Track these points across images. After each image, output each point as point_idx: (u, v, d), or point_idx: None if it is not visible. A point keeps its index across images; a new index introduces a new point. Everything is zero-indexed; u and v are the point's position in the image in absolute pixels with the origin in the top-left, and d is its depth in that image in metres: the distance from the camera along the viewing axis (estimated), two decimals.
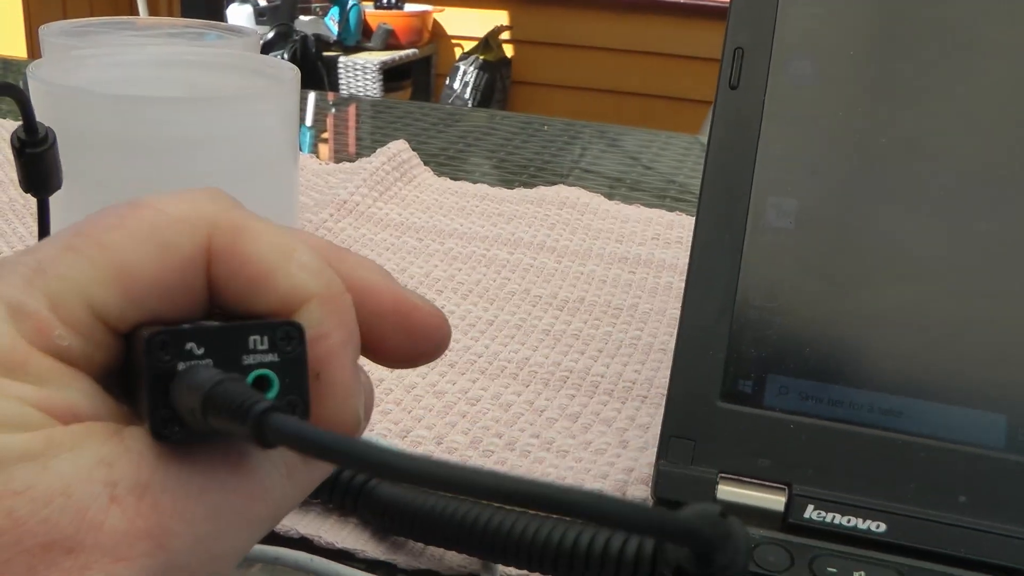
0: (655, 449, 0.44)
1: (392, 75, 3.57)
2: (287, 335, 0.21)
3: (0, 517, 0.18)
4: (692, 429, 0.37)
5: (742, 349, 0.38)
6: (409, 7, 3.76)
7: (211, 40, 0.71)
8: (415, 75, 3.77)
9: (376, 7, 3.73)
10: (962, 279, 0.37)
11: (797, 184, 0.39)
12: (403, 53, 3.64)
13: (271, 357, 0.21)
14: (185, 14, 2.50)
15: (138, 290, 0.21)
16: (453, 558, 0.38)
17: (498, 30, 3.71)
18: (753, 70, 0.40)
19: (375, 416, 0.47)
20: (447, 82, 3.64)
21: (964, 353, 0.37)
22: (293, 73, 0.54)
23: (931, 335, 0.37)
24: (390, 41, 3.65)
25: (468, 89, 3.57)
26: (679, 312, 0.59)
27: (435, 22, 3.84)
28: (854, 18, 0.40)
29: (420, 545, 0.38)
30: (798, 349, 0.38)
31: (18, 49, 3.05)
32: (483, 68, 3.60)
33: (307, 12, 3.64)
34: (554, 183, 0.82)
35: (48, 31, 0.67)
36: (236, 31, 0.71)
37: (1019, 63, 0.38)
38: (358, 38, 3.62)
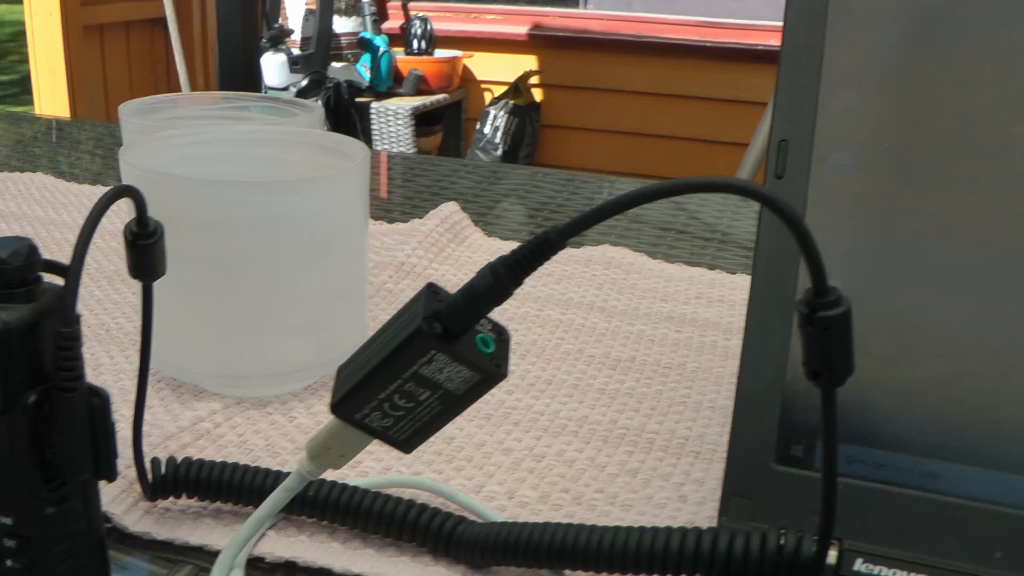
0: (713, 504, 0.48)
1: (424, 120, 3.64)
2: (499, 329, 0.33)
3: None
4: (750, 489, 0.41)
5: (794, 417, 0.42)
6: (439, 53, 3.83)
7: (276, 115, 0.75)
8: (446, 120, 3.84)
9: (407, 53, 3.80)
10: (993, 355, 0.41)
11: (839, 267, 0.43)
12: (434, 98, 3.70)
13: (492, 334, 0.33)
14: (222, 83, 2.57)
15: None
16: None
17: (527, 75, 3.78)
18: (797, 161, 0.44)
19: (449, 472, 0.51)
20: (477, 127, 3.70)
21: (996, 421, 0.40)
22: (364, 152, 0.59)
23: (965, 405, 0.41)
24: (421, 87, 3.72)
25: (499, 133, 3.63)
26: (725, 371, 0.63)
27: (465, 67, 3.91)
28: (890, 111, 0.44)
29: None
30: (844, 417, 0.41)
31: (62, 110, 3.21)
32: (513, 112, 3.66)
33: (339, 59, 3.71)
34: (601, 240, 0.86)
35: (125, 109, 0.72)
36: (299, 105, 0.75)
37: None
38: (390, 84, 3.69)
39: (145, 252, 0.41)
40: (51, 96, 3.29)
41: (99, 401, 0.38)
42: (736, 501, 0.41)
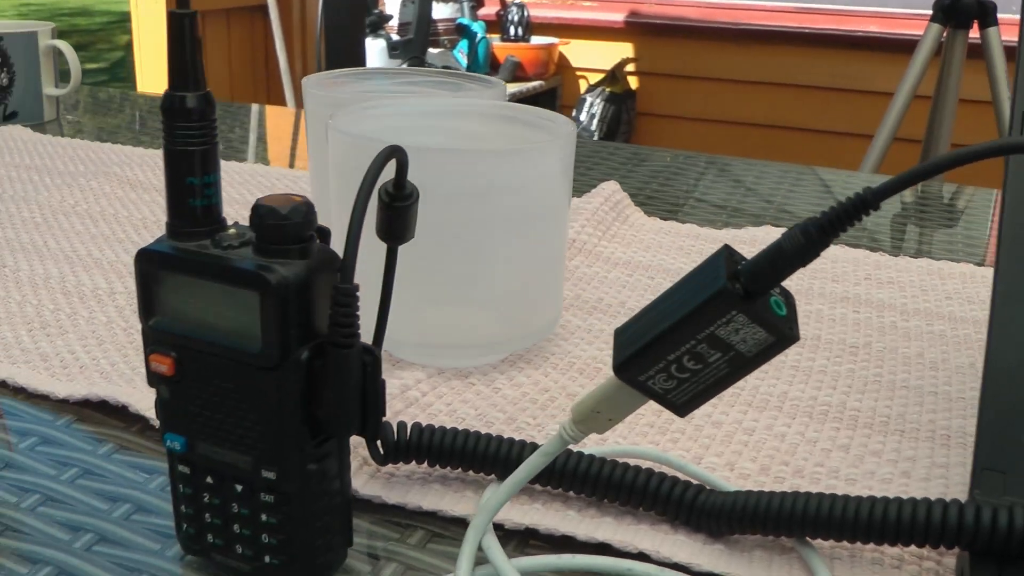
0: (939, 480, 0.48)
1: None
2: (786, 293, 0.33)
3: None
4: (1002, 462, 0.41)
5: None
6: (535, 40, 3.83)
7: (453, 90, 0.76)
8: (541, 106, 3.82)
9: (503, 39, 3.81)
10: None
11: None
12: (530, 85, 3.71)
13: (781, 297, 0.33)
14: (330, 62, 2.59)
15: None
16: (780, 565, 0.42)
17: (624, 62, 3.77)
18: None
19: (665, 443, 0.51)
20: (573, 113, 3.70)
21: None
22: (570, 127, 0.59)
23: None
24: (517, 73, 3.73)
25: (595, 121, 3.63)
26: (910, 351, 0.63)
27: (561, 55, 3.91)
28: None
29: (747, 554, 0.42)
30: None
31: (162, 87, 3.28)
32: (609, 100, 3.66)
33: (436, 45, 3.73)
34: (761, 221, 0.86)
35: (309, 83, 0.73)
36: (481, 80, 0.76)
37: None
38: (486, 70, 3.70)
39: (399, 214, 0.42)
40: (153, 81, 3.35)
41: (371, 360, 0.39)
42: (988, 475, 0.41)
